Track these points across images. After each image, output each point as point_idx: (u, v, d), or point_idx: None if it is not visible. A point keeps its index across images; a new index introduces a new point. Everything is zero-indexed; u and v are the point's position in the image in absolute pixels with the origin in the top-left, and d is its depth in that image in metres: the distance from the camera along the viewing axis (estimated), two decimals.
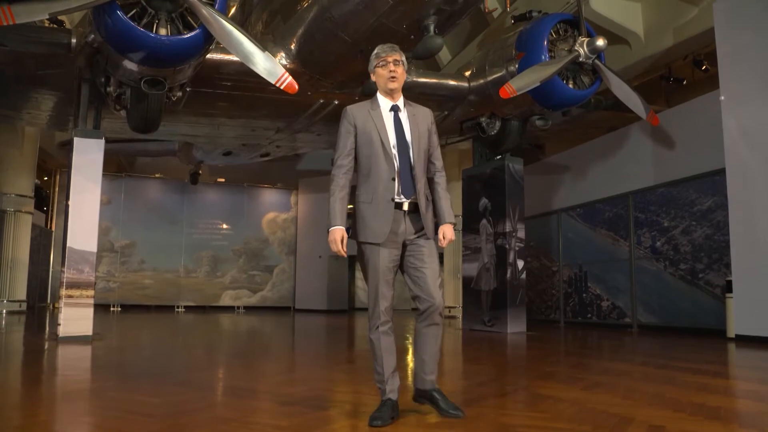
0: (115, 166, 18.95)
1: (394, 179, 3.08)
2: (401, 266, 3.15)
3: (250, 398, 3.74)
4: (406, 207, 3.09)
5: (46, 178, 18.71)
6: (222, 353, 7.36)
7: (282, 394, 3.86)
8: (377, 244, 3.05)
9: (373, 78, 3.23)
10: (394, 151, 3.11)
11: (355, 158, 3.18)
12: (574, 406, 3.52)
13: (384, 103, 3.20)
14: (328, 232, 3.07)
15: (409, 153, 3.12)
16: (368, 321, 3.11)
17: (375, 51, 3.21)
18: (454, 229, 3.32)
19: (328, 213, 3.12)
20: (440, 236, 3.16)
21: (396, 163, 3.09)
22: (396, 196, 3.07)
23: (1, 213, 13.69)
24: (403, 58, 3.21)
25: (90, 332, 7.31)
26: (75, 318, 7.25)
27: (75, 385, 4.30)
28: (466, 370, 5.64)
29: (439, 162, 3.29)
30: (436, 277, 3.09)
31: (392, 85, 3.15)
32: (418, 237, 3.11)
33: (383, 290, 3.05)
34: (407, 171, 3.10)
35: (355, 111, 3.20)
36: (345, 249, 3.06)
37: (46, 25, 8.40)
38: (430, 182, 3.24)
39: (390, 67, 3.14)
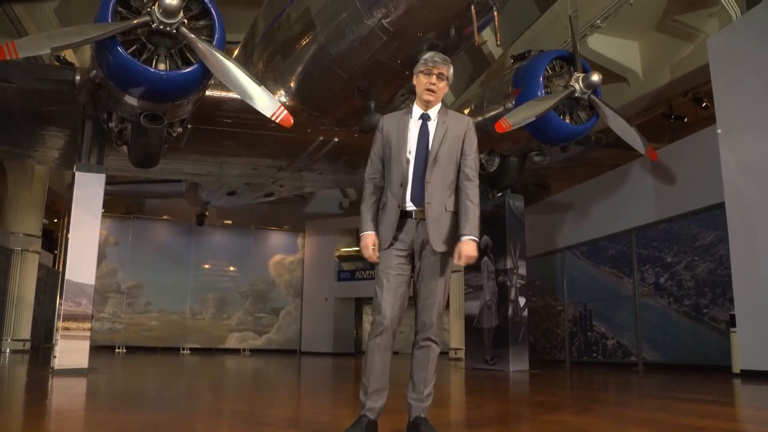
0: (124, 208, 19.15)
1: (402, 185, 3.00)
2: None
3: (227, 418, 3.71)
4: (417, 215, 2.98)
5: (56, 220, 18.92)
6: (214, 386, 7.28)
7: (260, 415, 3.82)
8: (386, 249, 2.97)
9: (414, 81, 3.15)
10: (409, 157, 3.02)
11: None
12: (557, 427, 3.46)
13: (416, 111, 3.13)
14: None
15: (425, 160, 3.01)
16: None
17: (425, 56, 3.12)
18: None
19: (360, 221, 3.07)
20: (456, 254, 2.95)
21: (408, 170, 3.01)
22: (402, 203, 2.98)
23: (8, 252, 13.79)
24: (449, 73, 3.11)
25: (86, 365, 7.26)
26: (71, 350, 7.22)
27: (58, 407, 4.28)
28: (458, 400, 5.55)
29: (470, 170, 3.11)
30: (436, 296, 2.96)
31: (427, 97, 3.07)
32: (426, 249, 2.98)
33: (386, 296, 2.92)
34: (419, 178, 2.99)
35: (387, 118, 3.17)
36: (377, 254, 2.97)
37: (56, 64, 8.67)
38: (458, 191, 3.09)
39: (432, 79, 3.06)
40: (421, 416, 2.93)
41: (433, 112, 3.11)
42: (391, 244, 2.98)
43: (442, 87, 3.09)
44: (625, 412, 4.30)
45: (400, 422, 3.10)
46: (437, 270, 2.98)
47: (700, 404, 4.70)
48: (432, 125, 3.09)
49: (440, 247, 2.95)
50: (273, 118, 6.55)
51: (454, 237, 3.00)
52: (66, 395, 5.36)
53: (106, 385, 6.78)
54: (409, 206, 3.00)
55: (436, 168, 3.00)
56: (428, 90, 3.06)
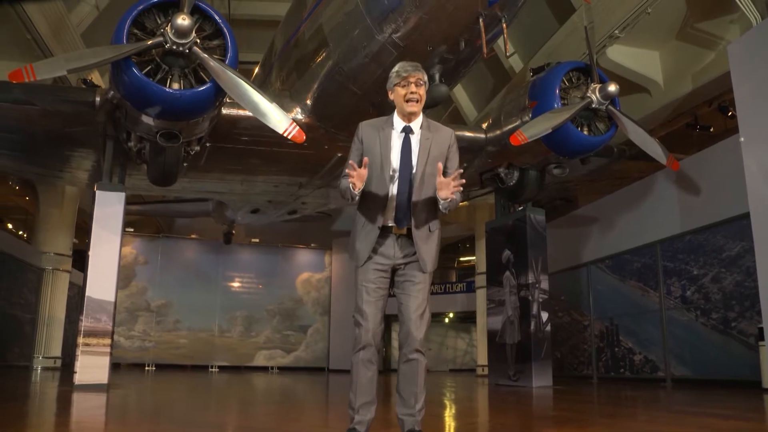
0: (154, 228, 19.47)
1: (385, 206, 2.93)
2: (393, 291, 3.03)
3: (234, 430, 3.70)
4: (397, 231, 2.95)
5: (87, 240, 19.28)
6: (233, 400, 7.29)
7: (270, 429, 3.80)
8: (364, 264, 2.97)
9: (390, 96, 3.01)
10: (393, 175, 2.93)
11: None
12: None
13: (397, 123, 2.99)
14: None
15: (411, 180, 2.92)
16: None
17: (396, 68, 2.98)
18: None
19: (345, 191, 2.94)
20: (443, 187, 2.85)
21: (393, 190, 2.93)
22: (385, 222, 2.94)
23: (40, 271, 14.14)
24: (426, 78, 2.98)
25: (106, 380, 7.36)
26: (91, 366, 7.32)
27: (70, 418, 4.33)
28: (465, 415, 5.46)
29: None
30: (419, 310, 2.93)
31: (411, 108, 2.94)
32: (408, 263, 2.96)
33: (366, 310, 2.93)
34: (405, 199, 2.91)
35: (366, 127, 3.03)
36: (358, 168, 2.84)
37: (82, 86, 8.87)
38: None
39: (411, 88, 2.92)
40: (416, 429, 2.92)
41: (416, 125, 3.01)
42: (370, 257, 2.97)
43: (423, 94, 2.97)
44: (633, 426, 4.18)
45: None
46: (421, 282, 2.98)
47: (715, 419, 4.55)
48: (415, 140, 2.99)
49: (430, 268, 2.98)
50: (285, 135, 6.62)
51: (437, 256, 3.03)
52: (82, 408, 5.43)
53: (123, 399, 6.85)
54: (391, 224, 2.98)
55: (422, 188, 2.95)
56: (410, 100, 2.95)
